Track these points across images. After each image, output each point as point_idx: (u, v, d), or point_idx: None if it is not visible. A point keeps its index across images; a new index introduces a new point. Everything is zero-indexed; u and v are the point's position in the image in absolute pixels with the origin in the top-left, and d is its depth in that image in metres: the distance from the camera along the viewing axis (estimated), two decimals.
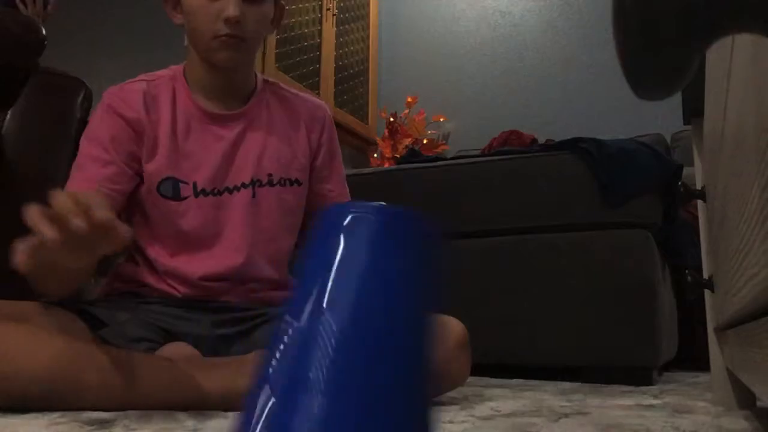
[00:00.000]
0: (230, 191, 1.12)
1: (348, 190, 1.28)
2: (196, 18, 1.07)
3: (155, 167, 1.09)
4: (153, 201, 1.10)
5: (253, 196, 1.13)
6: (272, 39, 2.72)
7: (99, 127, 1.09)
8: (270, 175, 1.15)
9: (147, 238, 1.11)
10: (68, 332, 0.89)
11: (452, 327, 0.99)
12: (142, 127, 1.09)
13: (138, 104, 1.10)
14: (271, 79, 1.25)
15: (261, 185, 1.14)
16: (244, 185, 1.13)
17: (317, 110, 1.25)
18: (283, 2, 1.19)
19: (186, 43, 1.15)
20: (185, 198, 1.09)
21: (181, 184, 1.09)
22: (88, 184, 1.03)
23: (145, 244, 1.10)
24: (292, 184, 1.18)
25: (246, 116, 1.16)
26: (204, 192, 1.10)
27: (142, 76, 1.15)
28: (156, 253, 1.09)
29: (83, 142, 1.09)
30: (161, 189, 1.09)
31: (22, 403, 0.81)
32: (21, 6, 1.98)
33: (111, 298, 1.09)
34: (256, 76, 1.22)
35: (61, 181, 1.38)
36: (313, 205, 1.23)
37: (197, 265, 1.07)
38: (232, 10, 1.04)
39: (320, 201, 1.23)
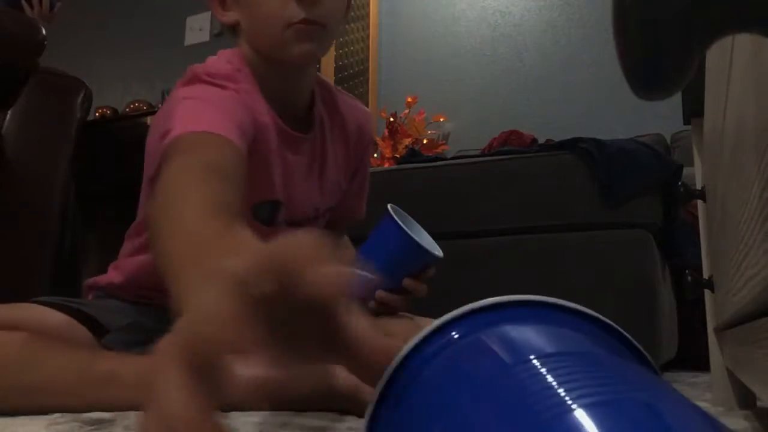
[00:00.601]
0: (290, 225, 0.99)
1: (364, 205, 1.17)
2: (260, 6, 0.88)
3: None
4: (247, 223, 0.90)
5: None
6: None
7: (211, 95, 0.80)
8: (317, 209, 1.03)
9: None
10: (68, 341, 0.85)
11: None
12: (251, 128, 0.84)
13: (256, 103, 0.87)
14: (318, 77, 1.03)
15: (309, 219, 1.01)
16: (299, 221, 0.99)
17: (365, 123, 1.08)
18: None
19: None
20: (278, 224, 0.95)
21: (281, 207, 0.94)
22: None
23: None
24: (328, 211, 1.07)
25: (310, 141, 0.98)
26: (287, 221, 0.97)
27: (211, 64, 0.89)
28: None
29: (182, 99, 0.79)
30: (257, 210, 0.92)
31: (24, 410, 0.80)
32: (27, 7, 1.98)
33: (113, 298, 1.04)
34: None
35: (61, 181, 1.38)
36: (331, 217, 1.11)
37: None
38: None
39: (338, 215, 1.12)
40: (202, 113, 0.74)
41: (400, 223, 0.96)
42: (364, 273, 0.36)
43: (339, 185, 1.04)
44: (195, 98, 0.78)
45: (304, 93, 0.96)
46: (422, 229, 1.04)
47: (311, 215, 1.00)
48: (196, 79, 0.83)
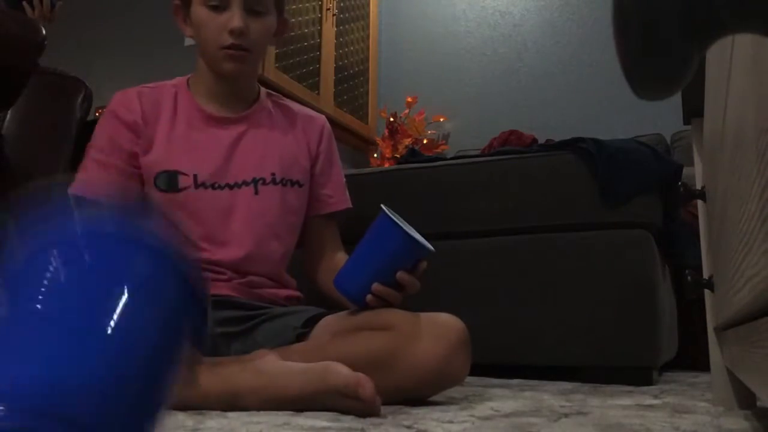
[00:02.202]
0: (231, 187, 1.17)
1: (348, 196, 1.34)
2: (203, 30, 1.16)
3: (151, 159, 1.15)
4: (152, 195, 1.15)
5: (256, 193, 1.19)
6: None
7: (99, 132, 1.18)
8: (273, 174, 1.21)
9: None
10: None
11: (451, 324, 1.00)
12: (138, 128, 1.17)
13: (135, 106, 1.18)
14: (273, 93, 1.34)
15: (264, 183, 1.20)
16: (245, 182, 1.18)
17: (316, 120, 1.33)
18: (286, 17, 1.27)
19: (187, 43, 1.22)
20: (183, 189, 1.15)
21: (180, 176, 1.15)
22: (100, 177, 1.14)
23: None
24: (293, 184, 1.24)
25: (247, 119, 1.24)
26: (204, 185, 1.16)
27: (144, 84, 1.22)
28: None
29: (88, 149, 1.18)
30: (157, 181, 1.15)
31: None
32: (27, 7, 1.98)
33: None
34: (259, 86, 1.30)
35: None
36: (313, 209, 1.30)
37: (199, 254, 1.10)
38: (236, 22, 1.12)
39: (320, 205, 1.30)
40: (91, 176, 1.14)
41: (395, 219, 1.02)
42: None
43: (297, 160, 1.25)
44: (91, 152, 1.17)
45: (241, 92, 1.24)
46: (412, 228, 1.08)
47: (268, 179, 1.20)
48: (103, 113, 1.21)
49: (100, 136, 1.18)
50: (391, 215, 1.02)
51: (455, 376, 1.00)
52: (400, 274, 1.02)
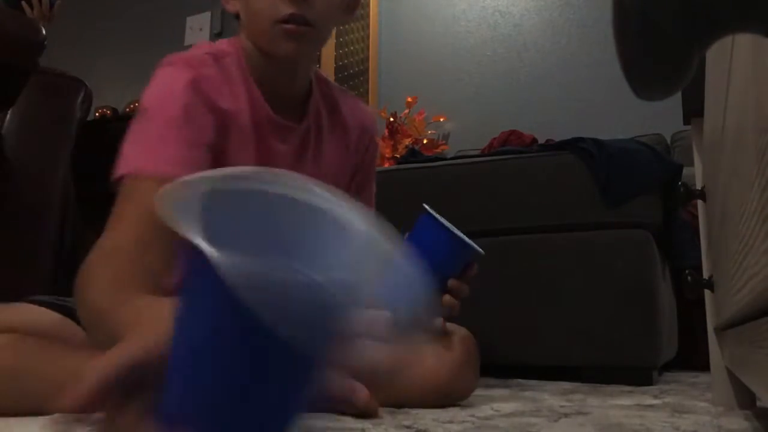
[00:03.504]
0: None
1: (374, 203, 1.15)
2: (254, 1, 0.89)
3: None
4: None
5: None
6: None
7: (172, 107, 0.84)
8: None
9: None
10: (62, 341, 0.84)
11: (458, 337, 0.96)
12: (210, 124, 0.87)
13: (214, 97, 0.88)
14: (320, 73, 1.04)
15: None
16: None
17: (367, 122, 1.08)
18: None
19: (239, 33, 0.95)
20: None
21: None
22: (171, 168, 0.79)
23: None
24: None
25: (303, 132, 0.98)
26: None
27: (206, 48, 0.93)
28: None
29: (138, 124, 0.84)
30: None
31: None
32: (26, 7, 1.98)
33: None
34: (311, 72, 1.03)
35: (61, 181, 1.38)
36: None
37: None
38: None
39: None
40: (149, 148, 0.81)
41: (443, 221, 0.91)
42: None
43: (337, 181, 1.03)
44: (149, 118, 0.83)
45: (297, 85, 0.96)
46: (456, 228, 0.98)
47: None
48: (166, 63, 0.89)
49: (173, 110, 0.83)
50: (436, 217, 0.91)
51: (461, 394, 0.97)
52: (452, 282, 0.92)
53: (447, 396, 0.95)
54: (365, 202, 1.09)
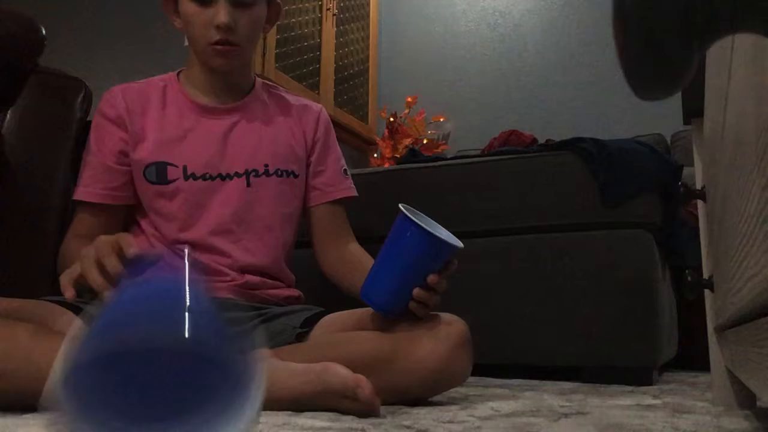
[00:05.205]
0: (223, 178, 1.16)
1: (351, 185, 1.31)
2: (190, 25, 1.13)
3: (141, 153, 1.14)
4: (142, 189, 1.15)
5: (248, 185, 1.17)
6: (272, 39, 2.72)
7: (90, 134, 1.19)
8: (266, 165, 1.19)
9: (149, 230, 1.15)
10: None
11: (452, 324, 0.99)
12: (123, 122, 1.16)
13: (119, 102, 1.17)
14: (269, 83, 1.32)
15: (257, 175, 1.18)
16: (237, 174, 1.17)
17: (312, 108, 1.30)
18: (279, 1, 1.22)
19: (186, 43, 1.19)
20: (173, 181, 1.14)
21: (169, 167, 1.14)
22: (92, 196, 1.15)
23: (147, 238, 1.14)
24: (288, 175, 1.22)
25: (240, 110, 1.22)
26: (194, 176, 1.14)
27: (132, 83, 1.21)
28: (153, 242, 1.14)
29: (84, 153, 1.19)
30: (146, 174, 1.14)
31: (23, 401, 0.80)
32: None
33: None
34: (255, 76, 1.28)
35: (61, 181, 1.38)
36: (312, 199, 1.27)
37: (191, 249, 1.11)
38: (222, 17, 1.09)
39: (318, 195, 1.28)
40: (84, 180, 1.17)
41: (417, 221, 0.94)
42: None
43: (292, 150, 1.24)
44: (84, 155, 1.19)
45: (235, 84, 1.22)
46: (436, 223, 1.01)
47: (261, 171, 1.19)
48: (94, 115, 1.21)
49: (91, 137, 1.18)
50: (411, 215, 0.94)
51: (456, 377, 1.00)
52: (431, 278, 0.96)
53: (443, 378, 0.98)
54: (334, 177, 1.28)
